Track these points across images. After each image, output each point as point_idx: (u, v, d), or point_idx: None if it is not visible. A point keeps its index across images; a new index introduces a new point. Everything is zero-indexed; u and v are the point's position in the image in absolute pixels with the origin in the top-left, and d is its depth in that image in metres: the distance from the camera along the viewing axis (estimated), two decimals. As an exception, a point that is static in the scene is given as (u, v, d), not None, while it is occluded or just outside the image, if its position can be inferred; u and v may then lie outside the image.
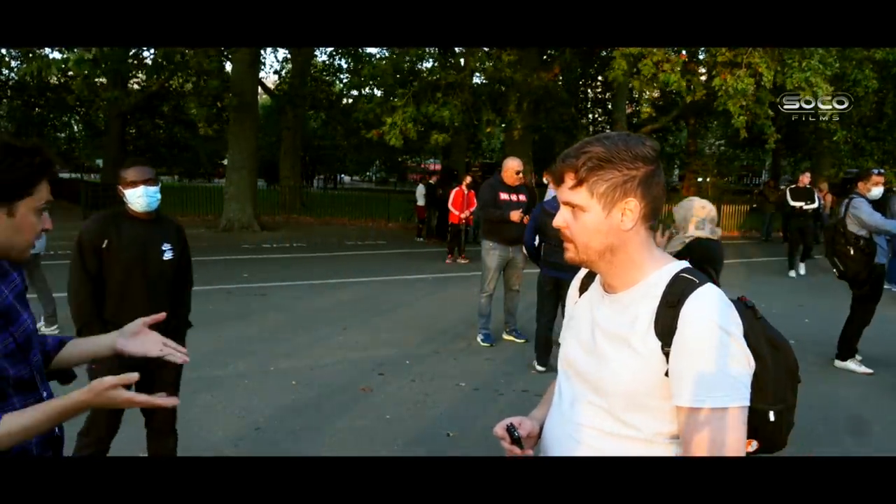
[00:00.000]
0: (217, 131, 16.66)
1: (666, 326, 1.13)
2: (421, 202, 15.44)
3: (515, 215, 5.64)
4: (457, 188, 11.92)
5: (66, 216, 15.95)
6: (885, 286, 6.28)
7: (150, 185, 2.71)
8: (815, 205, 10.83)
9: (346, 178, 48.44)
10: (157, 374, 2.82)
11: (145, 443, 2.97)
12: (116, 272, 2.70)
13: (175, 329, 2.90)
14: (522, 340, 6.11)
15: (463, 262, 11.46)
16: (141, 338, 1.55)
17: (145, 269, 2.74)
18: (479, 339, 6.08)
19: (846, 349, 5.56)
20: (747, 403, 1.11)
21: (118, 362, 2.57)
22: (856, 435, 4.18)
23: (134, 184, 2.69)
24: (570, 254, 1.25)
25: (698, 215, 3.51)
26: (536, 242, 5.32)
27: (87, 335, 2.65)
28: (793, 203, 10.75)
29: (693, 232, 3.50)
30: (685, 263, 1.23)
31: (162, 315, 1.59)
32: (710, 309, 1.12)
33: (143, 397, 1.31)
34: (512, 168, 5.93)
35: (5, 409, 1.30)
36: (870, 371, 5.44)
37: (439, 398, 4.62)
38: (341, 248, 13.51)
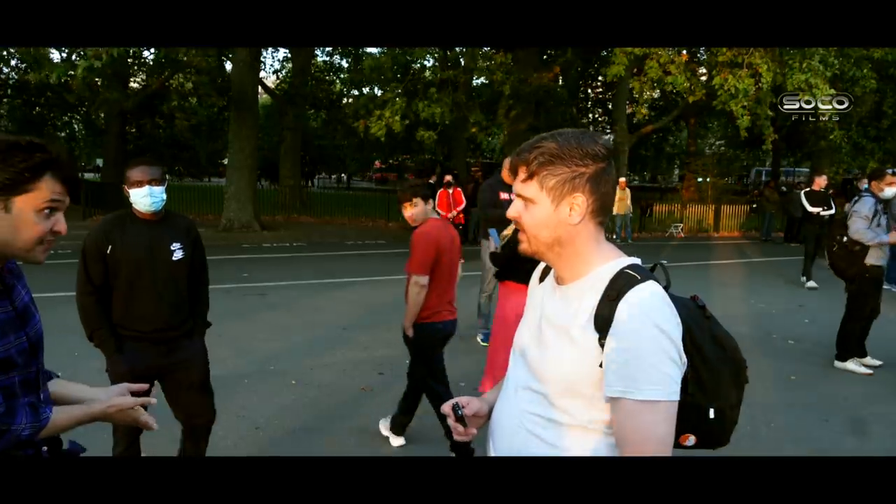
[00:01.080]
0: (206, 129, 16.60)
1: (604, 319, 1.17)
2: (421, 202, 15.43)
3: None
4: (440, 190, 11.89)
5: (66, 216, 15.95)
6: (885, 286, 6.29)
7: (155, 185, 2.63)
8: (832, 210, 10.05)
9: (345, 178, 48.37)
10: (183, 377, 2.81)
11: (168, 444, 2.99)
12: (123, 275, 2.64)
13: (190, 332, 2.85)
14: (522, 340, 6.10)
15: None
16: (123, 401, 1.56)
17: (153, 271, 2.67)
18: (478, 339, 6.08)
19: (845, 350, 5.57)
20: (675, 399, 1.14)
21: (130, 373, 2.60)
22: (856, 435, 4.18)
23: (139, 184, 2.62)
24: (523, 245, 1.30)
25: None
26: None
27: (97, 341, 2.68)
28: (811, 209, 10.01)
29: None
30: (633, 260, 1.26)
31: (145, 386, 1.69)
32: (645, 305, 1.15)
33: (147, 419, 1.59)
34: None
35: (15, 405, 1.32)
36: (869, 371, 5.44)
37: (439, 398, 4.62)
38: (341, 248, 13.51)
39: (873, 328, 5.68)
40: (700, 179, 26.16)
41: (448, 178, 12.12)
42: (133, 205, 2.68)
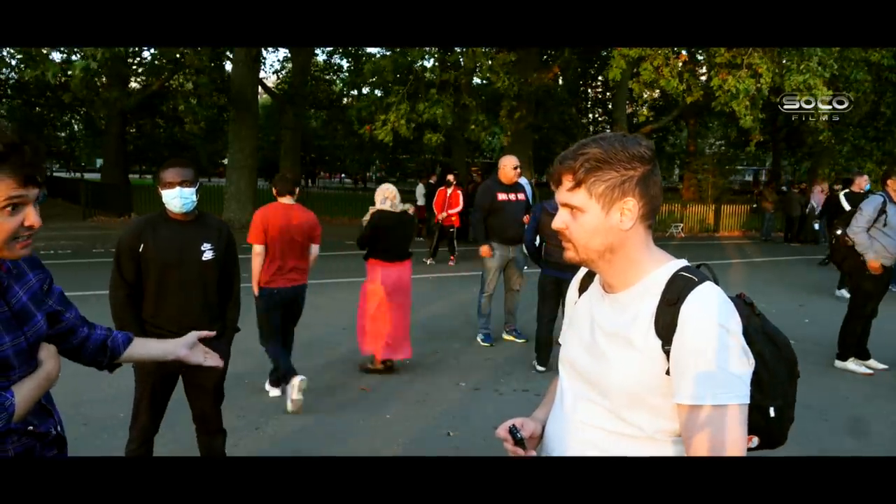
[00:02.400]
0: (206, 129, 16.63)
1: (666, 325, 1.13)
2: (421, 202, 15.43)
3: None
4: (440, 188, 11.93)
5: (66, 216, 15.97)
6: (892, 288, 6.29)
7: (186, 186, 2.68)
8: None
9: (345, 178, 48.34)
10: (202, 377, 2.80)
11: (185, 446, 3.00)
12: (153, 274, 2.68)
13: (219, 335, 2.84)
14: (522, 340, 6.11)
15: (450, 262, 11.47)
16: (195, 349, 1.77)
17: (182, 270, 2.71)
18: (479, 339, 6.08)
19: (846, 349, 5.57)
20: (748, 401, 1.11)
21: (156, 370, 2.71)
22: (856, 435, 4.18)
23: (170, 185, 2.67)
24: (570, 253, 1.25)
25: (382, 195, 5.00)
26: (537, 242, 5.33)
27: None
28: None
29: (378, 206, 4.98)
30: (684, 262, 1.23)
31: (212, 333, 1.83)
32: (709, 307, 1.12)
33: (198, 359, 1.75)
34: (508, 165, 5.91)
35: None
36: (870, 372, 5.44)
37: (439, 398, 4.62)
38: (341, 248, 13.50)
39: (876, 329, 5.68)
40: (700, 178, 26.13)
41: (451, 177, 12.14)
42: (166, 205, 2.73)
